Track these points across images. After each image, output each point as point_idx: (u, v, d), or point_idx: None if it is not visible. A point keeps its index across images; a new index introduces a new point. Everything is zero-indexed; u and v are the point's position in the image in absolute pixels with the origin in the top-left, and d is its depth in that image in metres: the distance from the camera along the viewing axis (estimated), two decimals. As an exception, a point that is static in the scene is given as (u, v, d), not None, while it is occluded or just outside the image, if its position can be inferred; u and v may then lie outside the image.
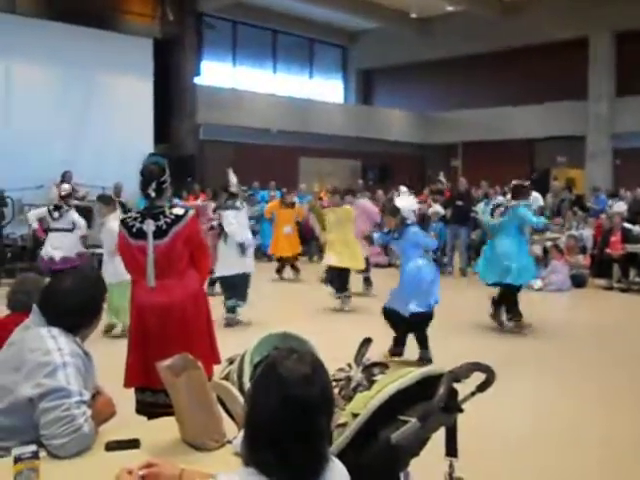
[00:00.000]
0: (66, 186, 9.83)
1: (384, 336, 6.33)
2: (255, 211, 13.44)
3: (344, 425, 2.18)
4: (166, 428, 2.49)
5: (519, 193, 8.16)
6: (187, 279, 3.96)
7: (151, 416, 3.03)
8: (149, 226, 3.89)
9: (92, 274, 2.70)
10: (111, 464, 2.14)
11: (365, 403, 2.17)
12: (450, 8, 20.19)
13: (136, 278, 3.98)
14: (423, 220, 13.67)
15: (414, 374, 2.19)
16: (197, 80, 17.28)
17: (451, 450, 2.39)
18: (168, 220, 3.91)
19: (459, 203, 12.81)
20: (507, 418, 5.02)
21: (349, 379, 2.76)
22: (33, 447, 2.07)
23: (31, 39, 13.78)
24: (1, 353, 2.56)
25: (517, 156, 20.34)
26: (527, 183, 8.87)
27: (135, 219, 3.95)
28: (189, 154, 16.33)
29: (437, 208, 13.10)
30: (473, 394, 2.34)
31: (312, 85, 23.37)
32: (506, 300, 7.95)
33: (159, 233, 3.88)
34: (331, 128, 20.32)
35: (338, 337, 5.95)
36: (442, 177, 15.18)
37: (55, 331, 2.45)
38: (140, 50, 15.86)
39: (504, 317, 8.04)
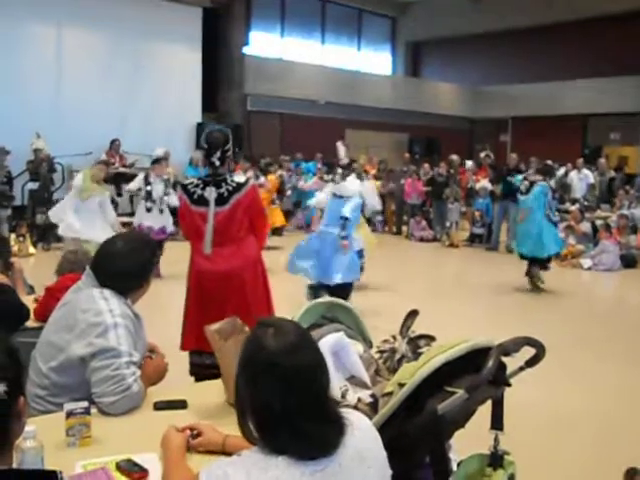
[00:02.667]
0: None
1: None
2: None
3: (390, 394, 2.17)
4: (212, 390, 2.53)
5: (543, 172, 8.97)
6: (246, 246, 3.99)
7: (205, 378, 3.08)
8: (211, 193, 3.91)
9: (143, 237, 2.73)
10: (159, 423, 2.18)
11: (412, 373, 2.15)
12: (504, -21, 19.69)
13: (195, 244, 4.01)
14: (470, 195, 13.55)
15: (463, 346, 2.16)
16: (245, 50, 17.24)
17: (497, 423, 2.36)
18: (230, 188, 3.93)
19: (509, 179, 12.60)
20: (554, 394, 4.97)
21: (394, 351, 2.75)
22: (85, 403, 2.13)
23: (82, 7, 13.89)
24: (54, 313, 2.62)
25: (569, 132, 19.87)
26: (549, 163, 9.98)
27: (197, 186, 3.97)
28: (236, 124, 16.36)
29: (484, 183, 12.91)
30: (522, 369, 2.30)
31: (360, 57, 23.11)
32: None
33: (220, 200, 3.91)
34: (378, 100, 20.12)
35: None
36: (487, 151, 14.96)
37: (107, 293, 2.49)
38: (189, 19, 15.87)
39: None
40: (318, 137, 17.64)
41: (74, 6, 13.78)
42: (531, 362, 2.29)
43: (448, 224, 13.17)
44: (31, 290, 4.58)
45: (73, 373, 2.41)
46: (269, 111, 17.92)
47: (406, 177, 14.48)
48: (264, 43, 19.80)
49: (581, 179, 14.30)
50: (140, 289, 2.63)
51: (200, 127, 15.97)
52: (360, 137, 19.53)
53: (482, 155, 14.15)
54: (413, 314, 2.93)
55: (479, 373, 2.13)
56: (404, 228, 14.70)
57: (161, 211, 9.16)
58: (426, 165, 15.11)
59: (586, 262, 10.63)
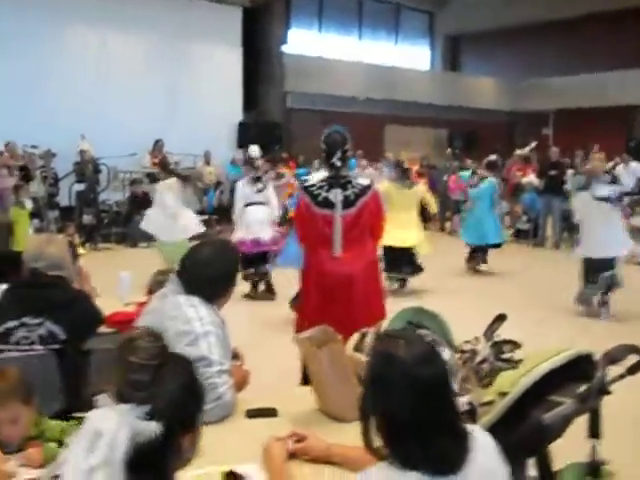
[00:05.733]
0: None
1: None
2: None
3: (490, 403, 2.13)
4: (302, 398, 2.51)
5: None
6: (367, 247, 3.99)
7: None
8: (337, 196, 3.89)
9: (228, 243, 2.72)
10: (252, 430, 2.17)
11: (513, 382, 2.11)
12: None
13: (315, 246, 3.97)
14: (516, 190, 13.37)
15: (567, 354, 2.11)
16: (284, 48, 17.23)
17: (594, 432, 2.30)
18: (356, 190, 3.90)
19: (552, 172, 12.39)
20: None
21: (474, 352, 2.70)
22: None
23: (124, 10, 14.03)
24: (141, 321, 2.62)
25: (614, 124, 19.43)
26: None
27: (320, 188, 3.92)
28: (276, 122, 16.38)
29: (531, 178, 12.73)
30: (622, 376, 2.24)
31: (398, 52, 22.96)
32: None
33: (347, 203, 3.87)
34: (417, 95, 19.96)
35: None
36: (532, 145, 14.78)
37: (195, 300, 2.48)
38: (229, 19, 15.94)
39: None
40: (358, 133, 17.52)
41: (116, 9, 13.92)
42: (633, 369, 2.23)
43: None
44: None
45: (164, 382, 2.40)
46: (309, 108, 17.90)
47: (449, 173, 14.34)
48: (302, 40, 19.79)
49: (629, 173, 13.98)
50: (226, 295, 2.62)
51: (241, 126, 16.06)
52: (400, 133, 19.41)
53: (527, 150, 13.95)
54: (501, 318, 2.88)
55: (589, 382, 2.09)
56: (447, 224, 14.56)
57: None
58: (468, 161, 14.93)
59: None
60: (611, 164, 14.36)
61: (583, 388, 2.08)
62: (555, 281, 9.06)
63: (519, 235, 13.08)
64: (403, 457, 1.50)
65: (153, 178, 11.79)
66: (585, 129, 19.25)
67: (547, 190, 12.24)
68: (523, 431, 2.07)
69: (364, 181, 4.03)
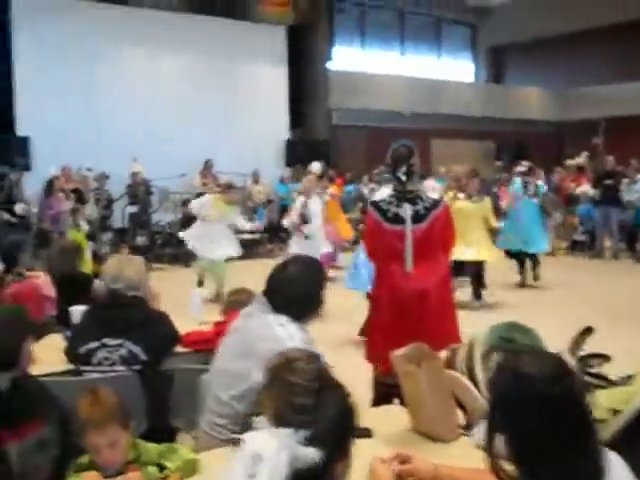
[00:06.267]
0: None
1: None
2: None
3: (602, 422, 2.03)
4: (394, 417, 2.45)
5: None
6: (439, 262, 3.94)
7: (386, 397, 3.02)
8: (407, 211, 3.85)
9: (312, 259, 2.68)
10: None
11: (624, 399, 2.01)
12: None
13: (387, 262, 3.93)
14: (570, 201, 13.12)
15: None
16: (329, 65, 17.29)
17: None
18: (427, 204, 3.87)
19: (608, 182, 12.12)
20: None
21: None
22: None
23: (172, 32, 14.25)
24: (225, 340, 2.60)
25: (665, 131, 19.02)
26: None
27: (390, 203, 3.89)
28: (323, 139, 16.41)
29: (585, 188, 12.49)
30: None
31: (441, 65, 22.88)
32: None
33: (417, 217, 3.84)
34: (462, 108, 19.81)
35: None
36: (583, 156, 14.53)
37: (283, 319, 2.45)
38: (274, 38, 16.06)
39: None
40: (405, 148, 17.47)
41: (165, 30, 14.16)
42: None
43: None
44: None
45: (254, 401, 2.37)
46: (355, 125, 17.91)
47: (499, 185, 14.16)
48: (346, 57, 19.84)
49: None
50: (315, 312, 2.57)
51: (289, 144, 16.13)
52: (446, 147, 19.27)
53: (581, 160, 13.70)
54: (587, 332, 2.79)
55: None
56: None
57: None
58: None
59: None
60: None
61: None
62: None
63: (575, 247, 12.81)
64: (536, 478, 1.42)
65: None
66: (636, 137, 18.84)
67: (603, 200, 11.96)
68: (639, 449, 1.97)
69: (434, 195, 4.00)
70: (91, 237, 10.90)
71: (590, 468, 1.44)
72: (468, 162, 17.50)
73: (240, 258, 11.46)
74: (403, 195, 3.87)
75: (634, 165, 14.16)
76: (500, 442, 1.49)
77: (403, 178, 3.86)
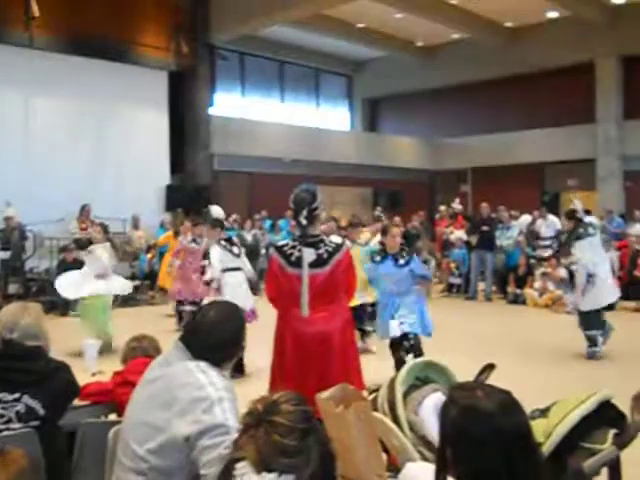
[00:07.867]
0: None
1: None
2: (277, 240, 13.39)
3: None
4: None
5: None
6: (341, 305, 3.94)
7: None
8: (307, 255, 3.83)
9: (232, 305, 2.64)
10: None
11: (546, 432, 2.10)
12: (455, 36, 20.38)
13: (290, 306, 3.91)
14: (445, 246, 13.71)
15: (594, 399, 2.13)
16: (210, 111, 17.31)
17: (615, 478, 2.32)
18: (329, 248, 3.89)
19: (484, 228, 12.80)
20: None
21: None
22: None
23: (48, 73, 13.81)
24: (141, 391, 2.48)
25: (527, 180, 20.40)
26: None
27: (293, 247, 3.92)
28: (204, 184, 16.31)
29: (460, 234, 13.10)
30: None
31: (319, 113, 23.50)
32: None
33: (320, 262, 3.84)
34: (340, 156, 20.35)
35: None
36: (457, 203, 15.25)
37: (203, 365, 2.38)
38: (156, 82, 15.92)
39: None
40: (286, 194, 17.63)
41: (41, 72, 13.69)
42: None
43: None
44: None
45: (175, 454, 2.26)
46: (236, 170, 17.95)
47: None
48: (226, 103, 19.97)
49: (548, 226, 14.61)
50: (233, 358, 2.53)
51: (169, 189, 15.88)
52: (325, 193, 19.52)
53: (454, 205, 14.39)
54: (489, 368, 2.89)
55: (613, 426, 2.10)
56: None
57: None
58: (397, 218, 15.23)
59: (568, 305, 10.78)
60: (530, 218, 15.06)
61: (613, 433, 2.10)
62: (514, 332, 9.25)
63: (450, 289, 13.35)
64: None
65: (81, 244, 11.42)
66: (501, 185, 20.10)
67: (479, 245, 12.58)
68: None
69: (337, 239, 4.07)
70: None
71: None
72: (347, 208, 17.99)
73: (120, 305, 11.10)
74: (304, 239, 3.91)
75: (502, 212, 15.08)
76: None
77: (304, 222, 3.92)
